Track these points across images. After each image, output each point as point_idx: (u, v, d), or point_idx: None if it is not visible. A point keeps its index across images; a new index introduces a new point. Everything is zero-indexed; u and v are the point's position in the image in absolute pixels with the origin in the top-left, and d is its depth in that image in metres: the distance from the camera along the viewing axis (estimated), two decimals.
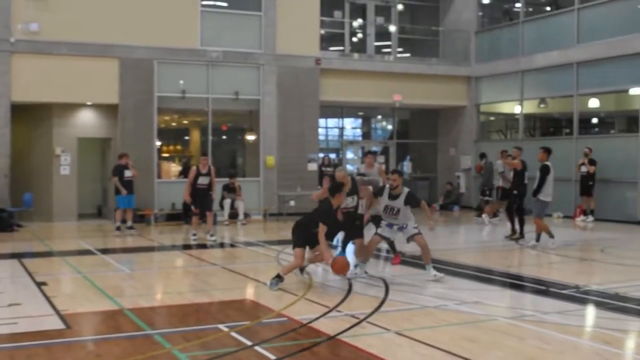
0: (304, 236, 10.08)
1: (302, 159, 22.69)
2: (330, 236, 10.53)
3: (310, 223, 10.05)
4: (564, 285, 10.38)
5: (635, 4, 20.04)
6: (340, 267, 9.92)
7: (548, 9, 24.16)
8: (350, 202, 10.58)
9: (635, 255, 12.27)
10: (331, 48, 25.35)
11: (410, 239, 11.01)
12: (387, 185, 11.08)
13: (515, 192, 16.04)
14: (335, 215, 10.10)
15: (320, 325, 7.86)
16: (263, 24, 22.11)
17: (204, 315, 8.75)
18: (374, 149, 26.12)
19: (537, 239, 14.77)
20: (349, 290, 9.87)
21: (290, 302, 9.06)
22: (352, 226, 10.93)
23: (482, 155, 21.83)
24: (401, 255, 12.52)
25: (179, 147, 25.40)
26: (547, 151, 14.86)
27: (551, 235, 14.48)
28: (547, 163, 14.62)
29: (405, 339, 7.31)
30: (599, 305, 9.22)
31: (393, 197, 10.81)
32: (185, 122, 25.32)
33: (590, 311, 9.03)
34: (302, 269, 10.62)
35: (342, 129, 27.58)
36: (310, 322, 8.00)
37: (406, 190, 10.89)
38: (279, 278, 9.95)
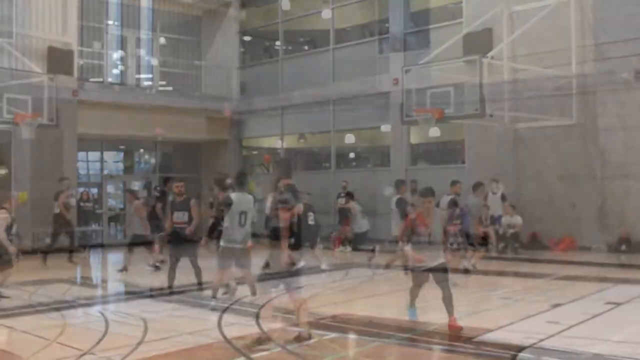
0: None
1: None
2: None
3: None
4: None
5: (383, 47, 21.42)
6: None
7: (306, 47, 25.13)
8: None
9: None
10: (91, 79, 24.55)
11: None
12: None
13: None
14: None
15: None
16: None
17: None
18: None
19: None
20: (106, 331, 9.44)
21: (41, 347, 8.47)
22: None
23: None
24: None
25: None
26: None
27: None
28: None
29: None
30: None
31: None
32: None
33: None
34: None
35: (102, 162, 26.68)
36: None
37: None
38: None
